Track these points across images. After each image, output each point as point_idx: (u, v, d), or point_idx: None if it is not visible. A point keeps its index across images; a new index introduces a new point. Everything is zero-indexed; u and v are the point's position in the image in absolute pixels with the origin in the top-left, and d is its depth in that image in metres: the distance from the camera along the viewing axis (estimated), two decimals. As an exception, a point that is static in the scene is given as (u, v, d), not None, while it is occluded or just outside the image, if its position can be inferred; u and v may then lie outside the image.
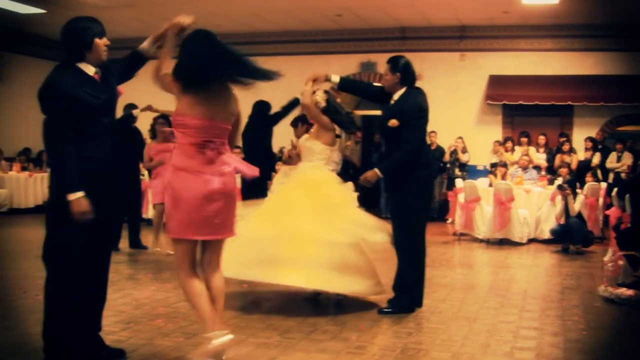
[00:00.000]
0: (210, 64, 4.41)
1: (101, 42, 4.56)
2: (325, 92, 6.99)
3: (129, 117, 9.87)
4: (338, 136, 7.35)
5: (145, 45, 4.92)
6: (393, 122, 6.46)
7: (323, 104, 6.94)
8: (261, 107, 9.88)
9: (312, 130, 7.19)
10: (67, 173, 4.40)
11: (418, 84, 6.70)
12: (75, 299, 4.51)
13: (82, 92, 4.42)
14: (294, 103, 9.71)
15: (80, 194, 4.38)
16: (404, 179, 6.46)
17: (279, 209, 6.64)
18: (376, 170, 6.51)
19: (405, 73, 6.56)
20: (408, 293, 6.53)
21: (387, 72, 6.64)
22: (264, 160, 9.66)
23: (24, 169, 17.03)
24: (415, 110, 6.44)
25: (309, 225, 6.41)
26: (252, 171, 4.83)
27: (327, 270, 6.28)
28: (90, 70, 4.55)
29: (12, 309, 6.39)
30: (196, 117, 4.48)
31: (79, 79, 4.47)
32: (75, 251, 4.48)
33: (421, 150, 6.53)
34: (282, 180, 7.26)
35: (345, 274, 6.37)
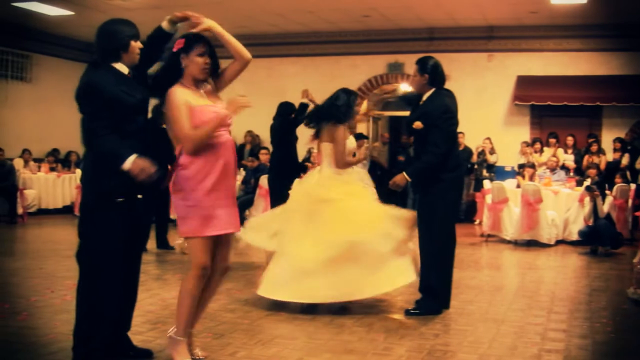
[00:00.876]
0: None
1: (136, 45, 4.59)
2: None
3: (160, 115, 9.90)
4: (365, 137, 7.31)
5: (163, 24, 4.71)
6: (417, 125, 6.44)
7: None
8: (284, 109, 9.68)
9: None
10: (113, 151, 4.42)
11: (446, 84, 6.67)
12: (108, 300, 4.55)
13: (119, 90, 4.46)
14: (303, 106, 9.36)
15: (133, 156, 4.39)
16: (430, 181, 6.45)
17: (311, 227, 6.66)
18: (404, 174, 6.50)
19: (433, 74, 6.52)
20: (434, 295, 6.51)
21: (415, 73, 6.62)
22: (289, 163, 9.59)
23: (52, 169, 17.08)
24: (440, 112, 6.39)
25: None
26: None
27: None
28: (124, 69, 4.59)
29: (40, 309, 6.44)
30: None
31: (115, 78, 4.50)
32: (109, 253, 4.50)
33: (450, 153, 6.46)
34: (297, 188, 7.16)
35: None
